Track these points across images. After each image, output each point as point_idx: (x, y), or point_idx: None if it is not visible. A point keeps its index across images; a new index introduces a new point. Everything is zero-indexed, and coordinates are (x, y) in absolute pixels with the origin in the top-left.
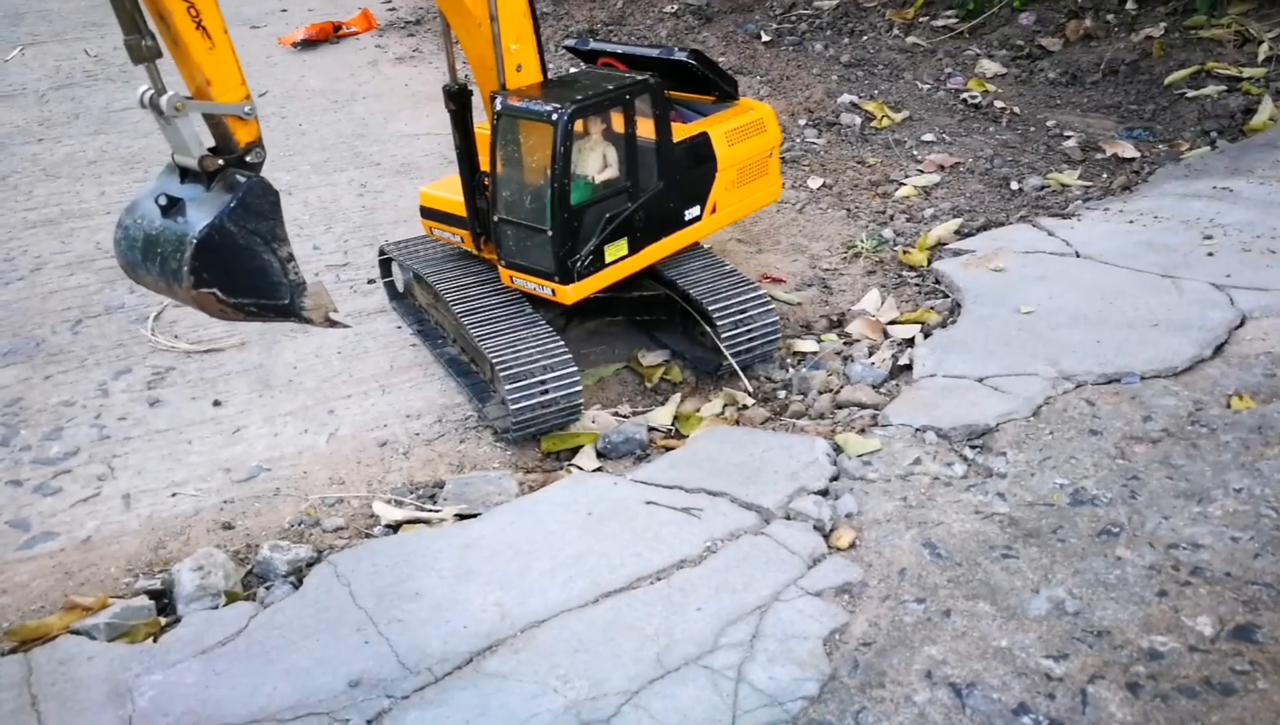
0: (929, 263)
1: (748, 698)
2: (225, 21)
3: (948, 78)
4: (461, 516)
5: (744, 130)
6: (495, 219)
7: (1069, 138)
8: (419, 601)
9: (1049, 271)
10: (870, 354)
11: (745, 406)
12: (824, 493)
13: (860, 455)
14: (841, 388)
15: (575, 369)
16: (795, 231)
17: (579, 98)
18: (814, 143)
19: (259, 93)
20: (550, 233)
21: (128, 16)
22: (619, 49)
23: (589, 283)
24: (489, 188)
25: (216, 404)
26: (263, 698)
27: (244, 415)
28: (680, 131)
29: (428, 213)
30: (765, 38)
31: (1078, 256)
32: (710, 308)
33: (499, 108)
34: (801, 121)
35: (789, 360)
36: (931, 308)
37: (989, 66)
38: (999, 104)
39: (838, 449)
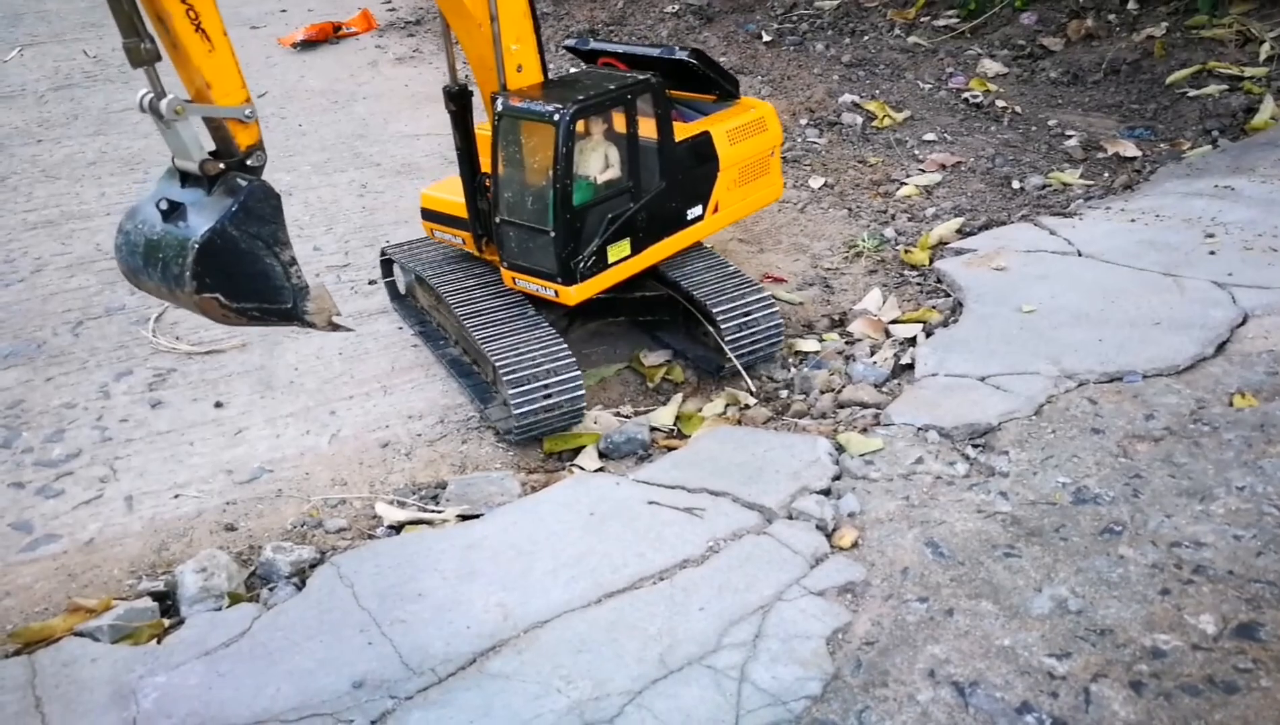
0: (930, 262)
1: (751, 697)
2: (224, 23)
3: (949, 77)
4: (464, 517)
5: (745, 129)
6: (497, 220)
7: (1070, 137)
8: (422, 602)
9: (1051, 270)
10: (872, 353)
11: (747, 406)
12: (826, 492)
13: (862, 454)
14: (843, 387)
15: (578, 373)
16: (797, 231)
17: (580, 98)
18: (815, 142)
19: (259, 93)
20: (552, 234)
21: (126, 19)
22: (619, 49)
23: (592, 284)
24: (490, 189)
25: (218, 405)
26: (266, 699)
27: (246, 416)
28: (682, 131)
29: (429, 215)
30: (766, 38)
31: (1079, 255)
32: (714, 309)
33: (500, 108)
34: (803, 121)
35: (791, 360)
36: (933, 307)
37: (990, 66)
38: (1000, 103)
39: (840, 448)
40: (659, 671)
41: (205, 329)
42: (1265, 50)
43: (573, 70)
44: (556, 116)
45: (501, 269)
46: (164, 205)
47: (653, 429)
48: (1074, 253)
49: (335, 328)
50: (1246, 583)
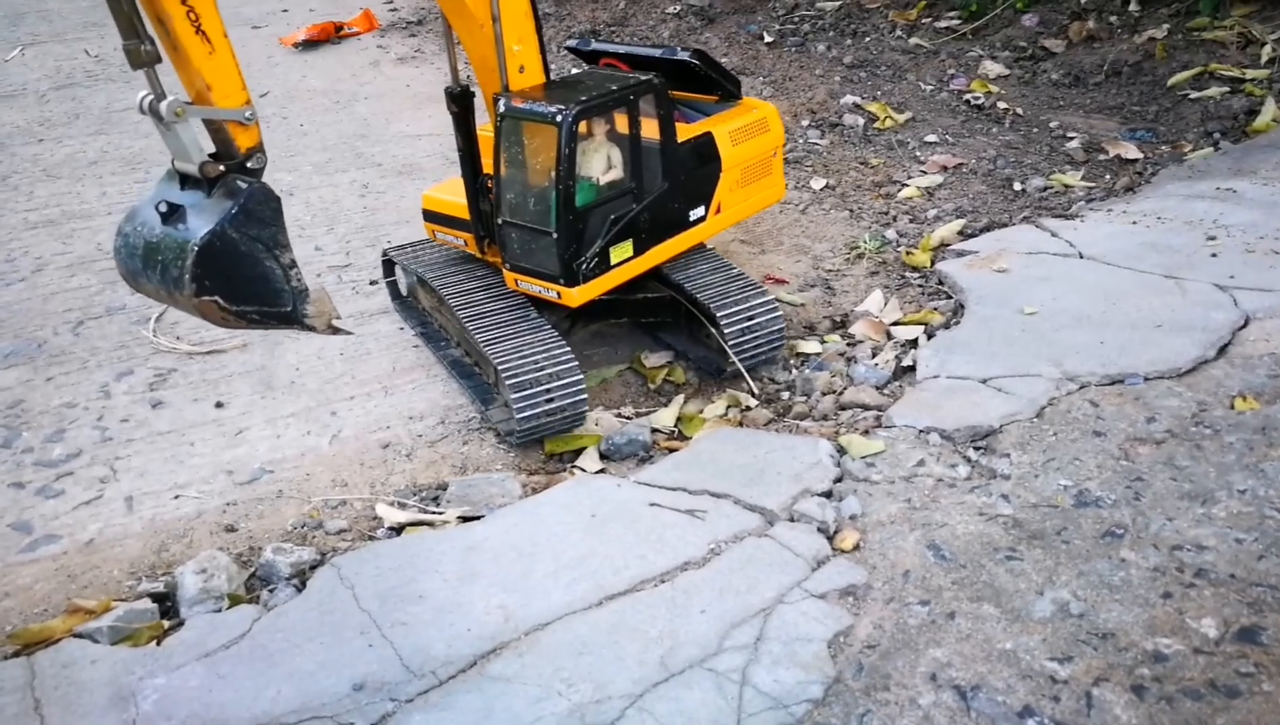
0: (932, 264)
1: (752, 700)
2: (225, 24)
3: (950, 79)
4: (465, 518)
5: (748, 130)
6: (499, 222)
7: (1072, 139)
8: (422, 604)
9: (1052, 272)
10: (873, 355)
11: (748, 408)
12: (828, 494)
13: (864, 457)
14: (845, 389)
15: (580, 378)
16: (798, 232)
17: (583, 99)
18: (817, 144)
19: (260, 93)
20: (555, 235)
21: (126, 21)
22: (621, 49)
23: (594, 285)
24: (492, 190)
25: (219, 406)
26: (266, 701)
27: (246, 417)
28: (684, 132)
29: (430, 216)
30: (768, 39)
31: (1081, 257)
32: (717, 312)
33: (502, 109)
34: (804, 122)
35: (792, 361)
36: (935, 309)
37: (992, 68)
38: (1002, 105)
39: (841, 450)
40: (660, 674)
41: (206, 329)
42: (1267, 52)
43: (574, 71)
44: (559, 117)
45: (503, 270)
46: (163, 207)
47: (654, 430)
48: (1075, 255)
49: (335, 331)
50: (1248, 586)
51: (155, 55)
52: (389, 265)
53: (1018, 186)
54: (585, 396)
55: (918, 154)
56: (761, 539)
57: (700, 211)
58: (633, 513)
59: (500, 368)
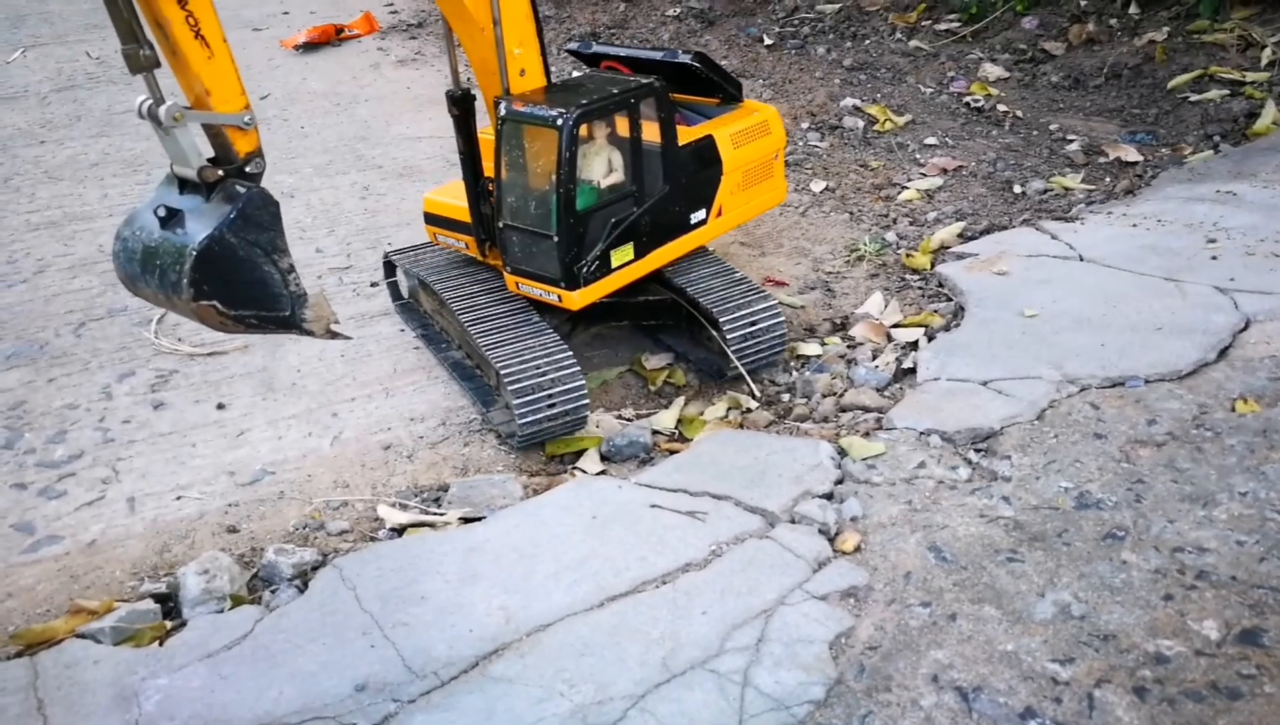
0: (932, 266)
1: (754, 702)
2: (225, 27)
3: (950, 81)
4: (466, 520)
5: (749, 132)
6: (500, 225)
7: (1072, 141)
8: (424, 605)
9: (1052, 275)
10: (874, 357)
11: (749, 409)
12: (828, 496)
13: (864, 459)
14: (845, 391)
15: (583, 383)
16: (798, 234)
17: (584, 102)
18: (816, 146)
19: (261, 95)
20: (556, 238)
21: (125, 26)
22: (622, 52)
23: (595, 288)
24: (493, 193)
25: (220, 407)
26: (269, 701)
27: (248, 418)
28: (685, 134)
29: (432, 219)
30: (768, 41)
31: (1081, 260)
32: (720, 317)
33: (503, 113)
34: (804, 125)
35: (793, 363)
36: (935, 311)
37: (991, 70)
38: (1002, 107)
39: (842, 452)
40: (662, 675)
41: (207, 331)
42: (1267, 55)
43: (575, 74)
44: (560, 121)
45: (504, 273)
46: (162, 212)
47: (655, 432)
48: (1075, 257)
49: (333, 335)
50: (1250, 588)
51: (154, 60)
52: (390, 267)
53: (1018, 189)
54: (587, 401)
55: (917, 156)
56: (762, 541)
57: (701, 214)
58: (634, 514)
59: (503, 373)
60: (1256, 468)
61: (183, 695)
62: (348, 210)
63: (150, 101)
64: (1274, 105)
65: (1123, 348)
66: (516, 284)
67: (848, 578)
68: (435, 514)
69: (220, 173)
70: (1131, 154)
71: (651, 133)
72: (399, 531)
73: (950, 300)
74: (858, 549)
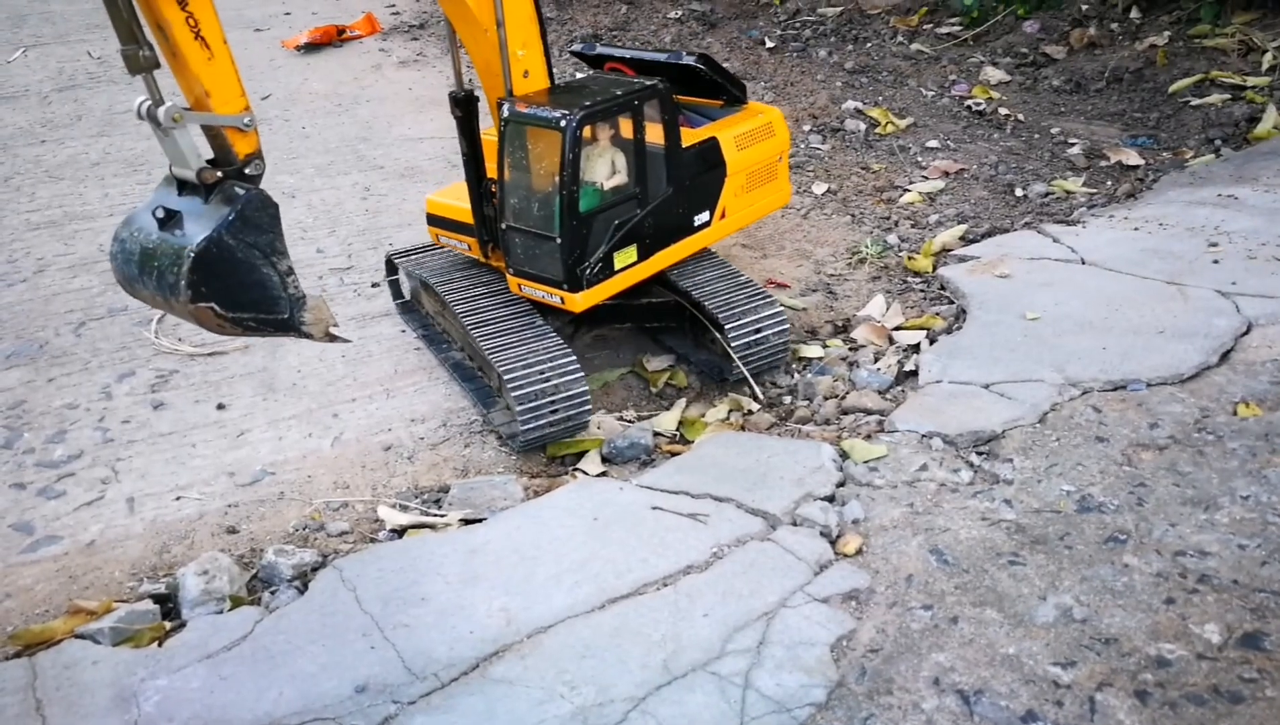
0: (934, 269)
1: (755, 704)
2: (226, 27)
3: (952, 85)
4: (467, 521)
5: (753, 134)
6: (503, 226)
7: (1073, 145)
8: (425, 607)
9: (1054, 278)
10: (876, 360)
11: (751, 412)
12: (830, 499)
13: (866, 461)
14: (847, 393)
15: (586, 390)
16: (800, 237)
17: (587, 104)
18: (818, 148)
19: (262, 96)
20: (559, 240)
21: (125, 26)
22: (626, 54)
23: (598, 290)
24: (496, 195)
25: (220, 407)
26: (268, 703)
27: (248, 419)
28: (689, 136)
29: (434, 220)
30: (769, 44)
31: (1083, 263)
32: (725, 322)
33: (506, 114)
34: (806, 127)
35: (794, 366)
36: (937, 314)
37: (993, 74)
38: (1003, 111)
39: (844, 455)
40: (663, 677)
41: (207, 332)
42: (1268, 60)
43: (578, 75)
44: (563, 122)
45: (507, 275)
46: (160, 213)
47: (656, 434)
48: (1077, 260)
49: (333, 338)
50: (1251, 592)
51: (154, 60)
52: (391, 266)
53: (1019, 192)
54: (589, 407)
55: (919, 159)
56: (764, 543)
57: (705, 217)
58: (635, 516)
59: (506, 378)
60: (1258, 471)
61: (182, 696)
62: (349, 211)
63: (150, 102)
64: (1275, 110)
65: (1124, 351)
66: (519, 286)
67: (849, 580)
68: (436, 515)
69: (219, 174)
70: (1133, 158)
71: (655, 135)
72: (399, 533)
73: (952, 303)
74: (859, 552)
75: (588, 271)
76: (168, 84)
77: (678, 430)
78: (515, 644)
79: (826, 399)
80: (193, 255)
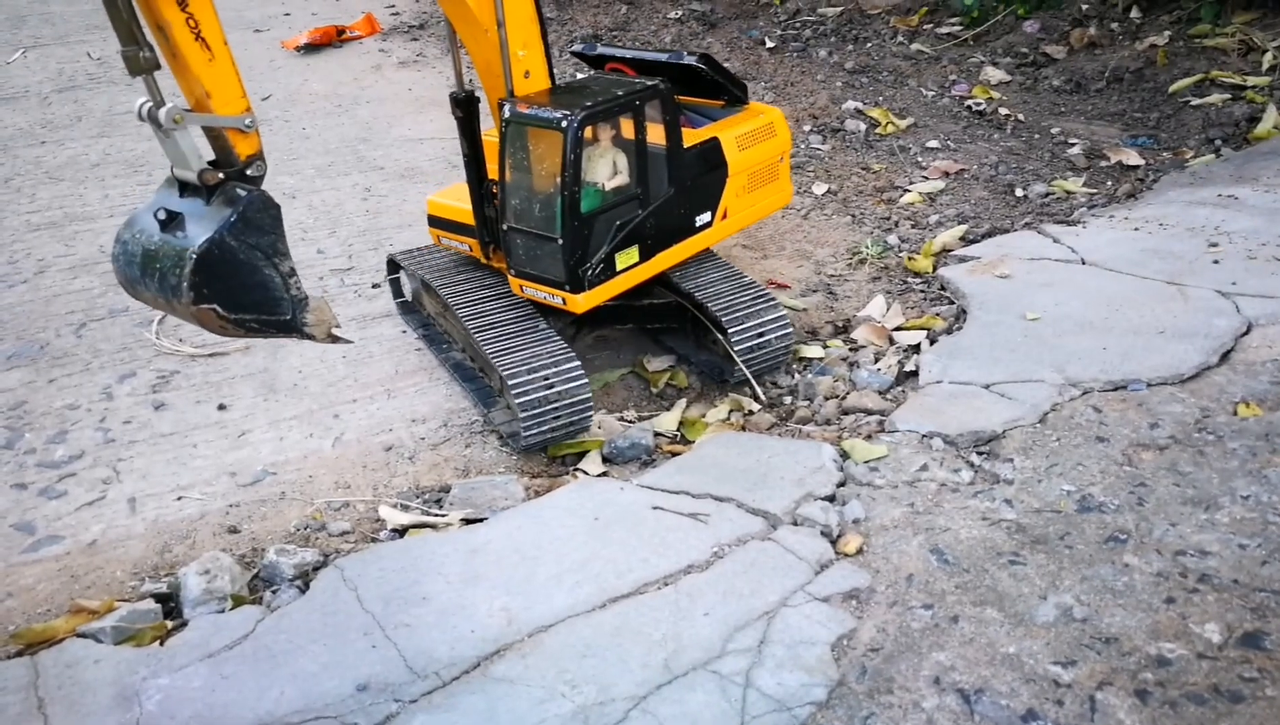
0: (934, 269)
1: (756, 703)
2: (226, 28)
3: (952, 85)
4: (467, 521)
5: (754, 135)
6: (504, 227)
7: (1073, 145)
8: (426, 606)
9: (1055, 278)
10: (876, 360)
11: (751, 412)
12: (831, 498)
13: (867, 461)
14: (848, 394)
15: (589, 396)
16: (800, 237)
17: (589, 104)
18: (818, 149)
19: (262, 97)
20: (560, 241)
21: (125, 27)
22: (627, 54)
23: (600, 291)
24: (497, 196)
25: (221, 408)
26: (270, 701)
27: (249, 419)
28: (690, 137)
29: (435, 221)
30: (770, 44)
31: (1083, 263)
32: (729, 326)
33: (507, 115)
34: (806, 127)
35: (795, 366)
36: (937, 314)
37: (993, 74)
38: (1004, 111)
39: (844, 455)
40: (664, 677)
41: (208, 332)
42: (1268, 60)
43: (579, 76)
44: (565, 123)
45: (509, 276)
46: (162, 215)
47: (656, 434)
48: (1078, 261)
49: (335, 340)
50: (1251, 592)
51: (154, 62)
52: (393, 266)
53: (1019, 192)
54: (591, 411)
55: (919, 160)
56: (765, 542)
57: (707, 217)
58: (636, 516)
59: (510, 383)
60: (1258, 471)
61: (183, 695)
62: (349, 211)
63: (150, 104)
64: (1275, 109)
65: (1125, 351)
66: (520, 287)
67: (850, 580)
68: (437, 515)
69: (221, 175)
70: (1133, 158)
71: (656, 135)
72: (400, 532)
73: (952, 303)
74: (860, 551)
75: (589, 272)
76: (168, 85)
77: (678, 430)
78: (516, 643)
79: (827, 399)
80: (195, 257)
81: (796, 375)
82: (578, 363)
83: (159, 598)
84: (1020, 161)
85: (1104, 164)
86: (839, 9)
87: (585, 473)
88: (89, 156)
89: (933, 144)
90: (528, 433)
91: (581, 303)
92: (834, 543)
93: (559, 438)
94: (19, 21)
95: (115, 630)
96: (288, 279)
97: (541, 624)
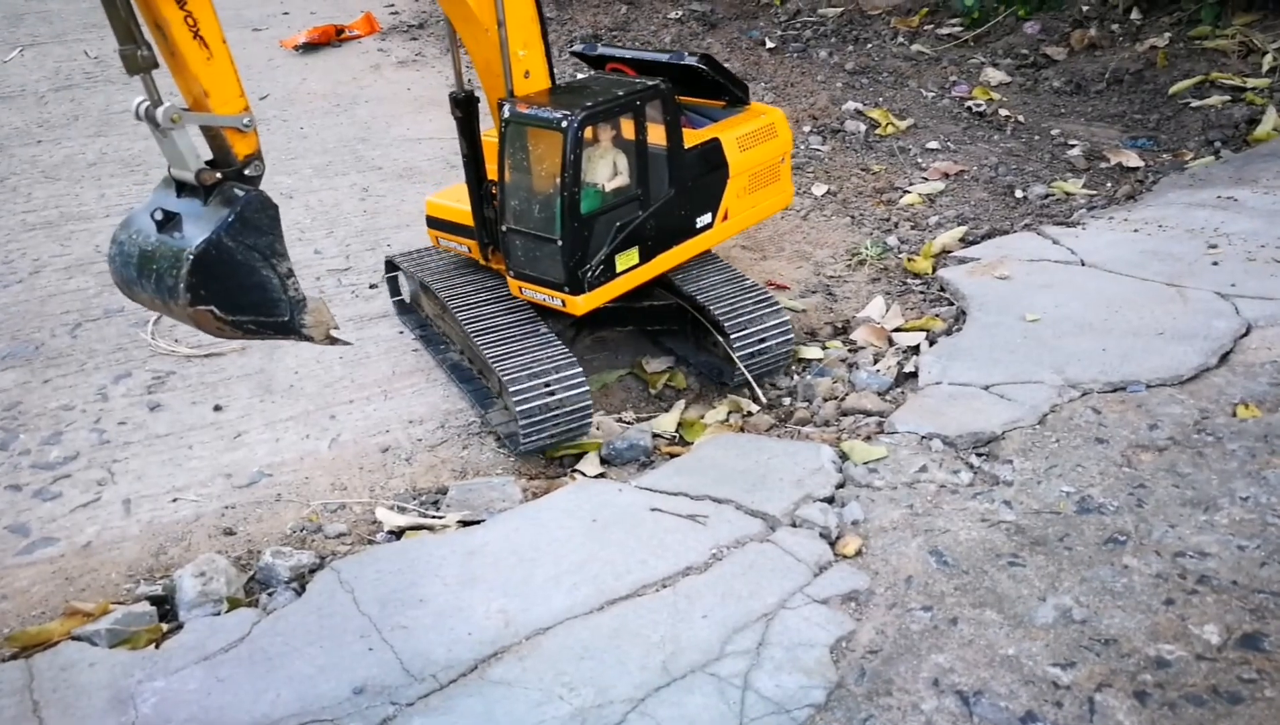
0: (934, 270)
1: (754, 706)
2: (225, 27)
3: (952, 86)
4: (465, 523)
5: (755, 135)
6: (503, 228)
7: (1073, 146)
8: (423, 608)
9: (1054, 279)
10: (875, 361)
11: (750, 413)
12: (830, 500)
13: (866, 462)
14: (847, 395)
15: (589, 404)
16: (800, 238)
17: (589, 104)
18: (818, 150)
19: (260, 96)
20: (560, 242)
21: (123, 26)
22: (628, 54)
23: (600, 293)
24: (496, 197)
25: (217, 409)
26: (266, 705)
27: (245, 420)
28: (691, 137)
29: (434, 222)
30: (770, 44)
31: (1083, 265)
32: (731, 331)
33: (507, 115)
34: (806, 128)
35: (794, 367)
36: (936, 315)
37: (994, 75)
38: (1004, 112)
39: (843, 456)
40: (662, 679)
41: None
42: (1268, 61)
43: (579, 76)
44: (565, 123)
45: (508, 278)
46: (159, 215)
47: (655, 435)
48: (1077, 262)
49: (333, 341)
50: (1250, 593)
51: (152, 61)
52: (391, 265)
53: (1019, 194)
54: (590, 418)
55: (919, 161)
56: (763, 544)
57: (707, 218)
58: (634, 517)
59: (512, 392)
60: (1257, 472)
61: (179, 698)
62: (347, 212)
63: (148, 103)
64: (1275, 111)
65: (1124, 352)
66: (520, 288)
67: (849, 581)
68: (434, 517)
69: (218, 175)
70: (1133, 159)
71: (657, 136)
72: (397, 534)
73: (952, 304)
74: (859, 553)
75: (589, 274)
76: (166, 84)
77: (677, 432)
78: (514, 645)
79: (826, 400)
80: (192, 258)
81: (795, 376)
82: (579, 370)
83: (154, 600)
84: (1020, 163)
85: (1104, 165)
86: (839, 10)
87: (583, 474)
88: (85, 155)
89: (933, 145)
90: (527, 438)
91: (581, 305)
92: (833, 544)
93: (558, 443)
94: (16, 20)
95: (110, 633)
96: (286, 280)
97: (539, 626)
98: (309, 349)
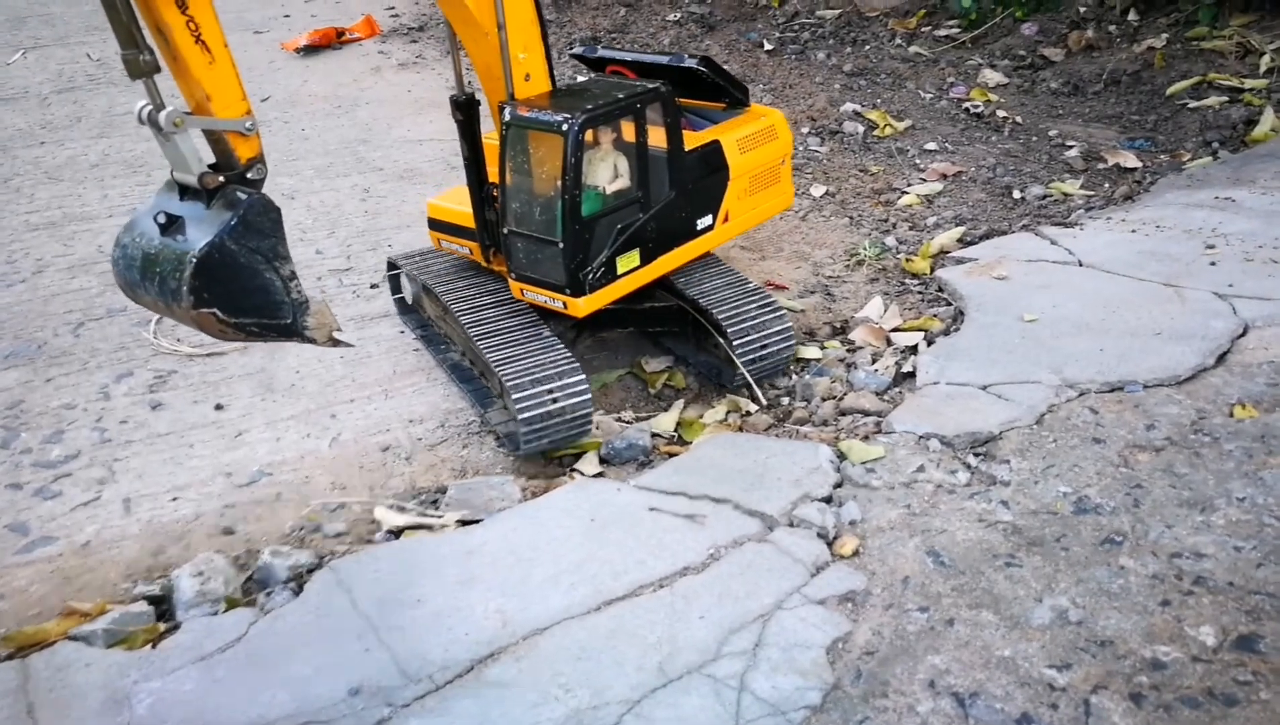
0: (932, 271)
1: (750, 707)
2: (226, 30)
3: (950, 87)
4: (464, 522)
5: (756, 137)
6: (504, 231)
7: (1071, 147)
8: (420, 608)
9: (1052, 280)
10: (873, 361)
11: (748, 413)
12: (827, 500)
13: (864, 462)
14: (845, 395)
15: (590, 411)
16: (798, 239)
17: (589, 107)
18: (816, 151)
19: (262, 98)
20: (561, 245)
21: (125, 30)
22: (628, 57)
23: (601, 295)
24: (498, 199)
25: (218, 408)
26: (262, 705)
27: (246, 419)
28: (691, 140)
29: (436, 224)
30: (768, 46)
31: (1080, 265)
32: (733, 336)
33: (508, 118)
34: (804, 130)
35: (793, 367)
36: (934, 315)
37: (991, 76)
38: (1001, 113)
39: (841, 456)
40: (658, 680)
41: None
42: (1265, 62)
43: (579, 78)
44: (565, 126)
45: (509, 280)
46: (162, 218)
47: (654, 435)
48: (1075, 263)
49: (336, 343)
50: (1247, 594)
51: (154, 64)
52: (393, 264)
53: (1017, 194)
54: (591, 422)
55: (917, 162)
56: (761, 544)
57: (708, 220)
58: (632, 517)
59: (514, 397)
60: (1254, 473)
61: (175, 699)
62: (348, 212)
63: (150, 107)
64: (1272, 112)
65: (1122, 353)
66: (521, 290)
67: (846, 582)
68: (433, 516)
69: (221, 179)
70: (1130, 160)
71: (658, 138)
72: (396, 534)
73: (950, 305)
74: (856, 553)
75: (590, 276)
76: (168, 88)
77: (676, 431)
78: (510, 646)
79: (824, 400)
80: (195, 261)
81: (794, 376)
82: (583, 376)
83: (152, 600)
84: (1018, 164)
85: (1101, 166)
86: (837, 11)
87: (582, 473)
88: (88, 157)
89: (930, 146)
90: (528, 442)
91: (582, 307)
92: (830, 544)
93: (558, 446)
94: (19, 22)
95: (107, 633)
96: (288, 282)
97: (536, 626)
98: (310, 349)
